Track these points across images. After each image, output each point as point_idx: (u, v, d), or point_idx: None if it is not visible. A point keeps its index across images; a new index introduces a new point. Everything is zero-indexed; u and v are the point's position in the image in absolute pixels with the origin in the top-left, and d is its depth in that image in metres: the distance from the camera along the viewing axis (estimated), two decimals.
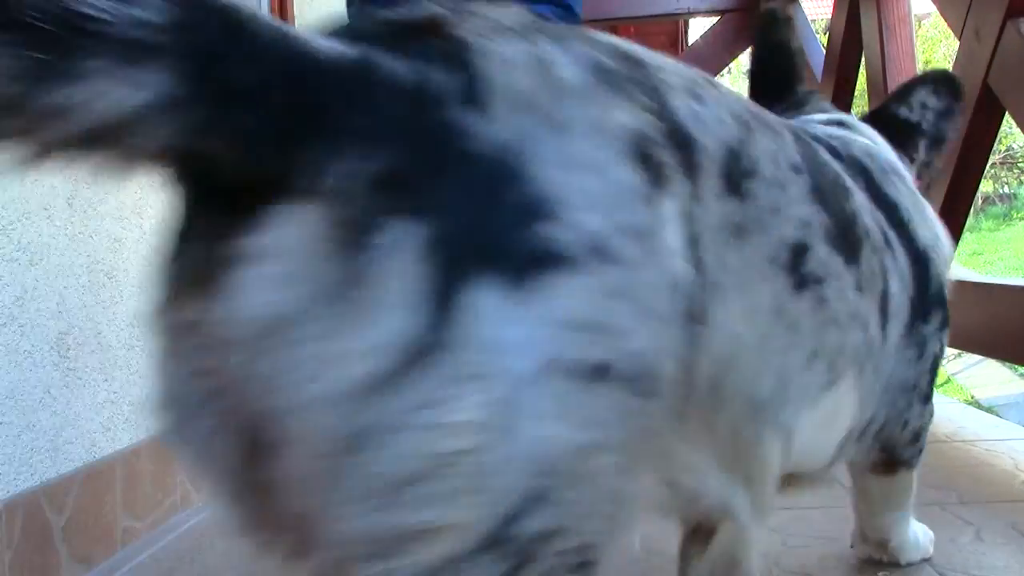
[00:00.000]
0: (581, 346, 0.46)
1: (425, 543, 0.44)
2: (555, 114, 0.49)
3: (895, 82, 2.20)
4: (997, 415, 3.64)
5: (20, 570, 1.02)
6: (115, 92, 0.39)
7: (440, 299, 0.43)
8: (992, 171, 13.37)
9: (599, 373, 0.46)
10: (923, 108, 1.02)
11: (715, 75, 3.49)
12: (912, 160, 1.02)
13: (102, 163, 0.45)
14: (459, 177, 0.45)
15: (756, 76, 1.01)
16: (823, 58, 2.72)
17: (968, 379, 8.78)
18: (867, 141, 0.92)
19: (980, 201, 13.43)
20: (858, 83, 2.56)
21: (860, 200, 0.74)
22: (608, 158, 0.50)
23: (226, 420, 0.47)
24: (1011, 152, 13.84)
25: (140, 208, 1.34)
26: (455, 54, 0.48)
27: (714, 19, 3.28)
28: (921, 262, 0.83)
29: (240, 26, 0.42)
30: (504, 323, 0.44)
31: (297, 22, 2.83)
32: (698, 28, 5.88)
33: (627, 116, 0.52)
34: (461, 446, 0.43)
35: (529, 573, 0.47)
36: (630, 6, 3.06)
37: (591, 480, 0.48)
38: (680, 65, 0.63)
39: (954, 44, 1.91)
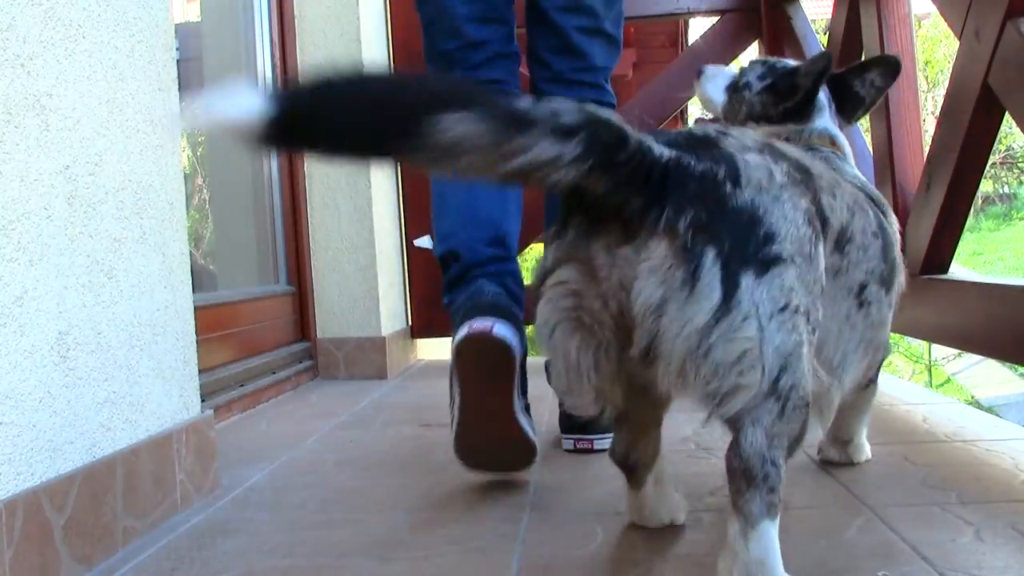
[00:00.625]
0: (786, 299, 0.91)
1: (738, 397, 0.90)
2: (775, 194, 0.94)
3: (895, 82, 2.20)
4: (997, 415, 3.64)
5: (20, 570, 1.02)
6: (548, 149, 0.83)
7: (729, 284, 0.88)
8: (992, 171, 13.36)
9: (794, 311, 0.92)
10: (871, 86, 1.42)
11: None
12: (848, 121, 1.45)
13: (528, 185, 0.89)
14: (732, 220, 0.90)
15: (800, 100, 1.38)
16: None
17: (968, 379, 8.78)
18: (856, 172, 1.35)
19: (980, 201, 13.42)
20: None
21: (896, 245, 1.23)
22: (799, 218, 0.95)
23: (610, 337, 0.95)
24: (1011, 152, 13.83)
25: (140, 208, 1.34)
26: (725, 157, 0.94)
27: (714, 19, 3.28)
28: (894, 254, 1.25)
29: (623, 134, 0.88)
30: (758, 294, 0.89)
31: (297, 22, 2.84)
32: (698, 28, 5.87)
33: (804, 201, 0.97)
34: (748, 347, 0.89)
35: (788, 409, 0.92)
36: (630, 6, 3.05)
37: (801, 358, 0.93)
38: (826, 170, 1.13)
39: (954, 44, 1.91)
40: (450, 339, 1.38)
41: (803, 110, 1.36)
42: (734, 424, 0.92)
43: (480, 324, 1.29)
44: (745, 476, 0.91)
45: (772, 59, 1.47)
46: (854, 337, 1.12)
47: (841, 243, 1.07)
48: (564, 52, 1.64)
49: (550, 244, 0.98)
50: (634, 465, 1.14)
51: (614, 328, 0.94)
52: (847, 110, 1.43)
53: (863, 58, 2.37)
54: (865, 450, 1.50)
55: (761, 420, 0.91)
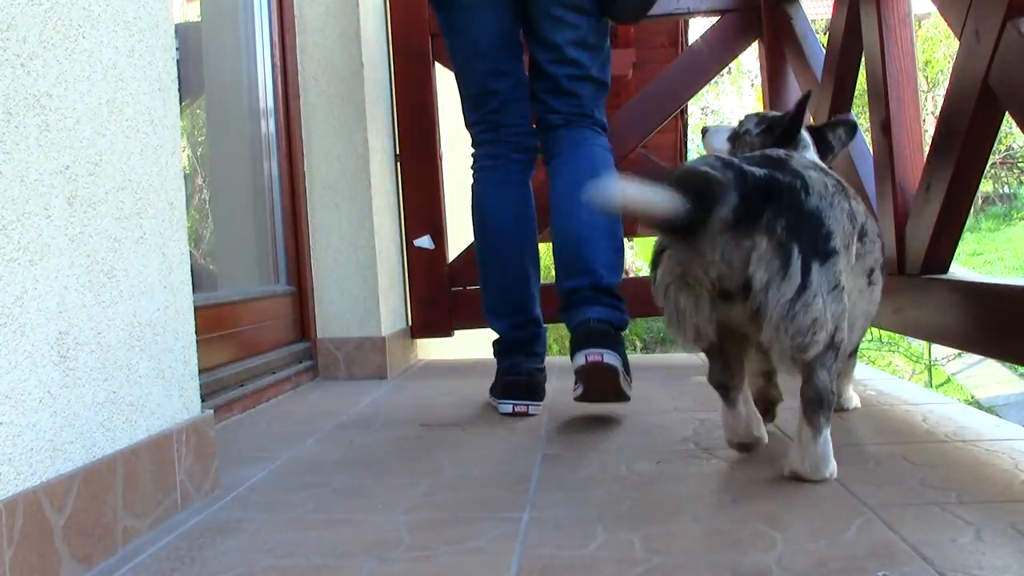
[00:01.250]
0: (837, 280, 1.32)
1: (812, 349, 1.31)
2: (829, 200, 1.34)
3: (895, 82, 2.20)
4: (997, 415, 3.64)
5: (20, 570, 1.02)
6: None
7: (805, 271, 1.28)
8: (992, 171, 13.37)
9: (841, 289, 1.32)
10: (839, 138, 1.83)
11: (715, 75, 3.48)
12: (824, 161, 1.77)
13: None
14: (806, 221, 1.30)
15: (788, 129, 1.74)
16: (823, 58, 2.72)
17: (968, 379, 8.79)
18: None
19: (980, 201, 13.43)
20: (858, 83, 2.56)
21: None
22: (844, 219, 1.36)
23: (705, 292, 1.35)
24: (1011, 152, 13.83)
25: (140, 208, 1.34)
26: (797, 172, 1.35)
27: (714, 19, 3.28)
28: (884, 253, 1.65)
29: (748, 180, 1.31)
30: (821, 277, 1.29)
31: (297, 22, 2.84)
32: (698, 28, 5.87)
33: (846, 204, 1.40)
34: (817, 316, 1.29)
35: (839, 355, 1.38)
36: None
37: (844, 319, 1.34)
38: (847, 185, 1.50)
39: (954, 44, 1.91)
40: (495, 381, 2.18)
41: (791, 141, 1.72)
42: (807, 368, 1.35)
43: (521, 408, 2.05)
44: (817, 402, 1.36)
45: (763, 111, 1.92)
46: (861, 306, 1.51)
47: (862, 236, 1.45)
48: (557, 93, 2.09)
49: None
50: (727, 387, 1.49)
51: (709, 287, 1.34)
52: (823, 153, 1.81)
53: (863, 59, 2.37)
54: (854, 400, 1.91)
55: (826, 365, 1.35)
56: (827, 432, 1.38)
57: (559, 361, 2.68)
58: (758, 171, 1.31)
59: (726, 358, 1.48)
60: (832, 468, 1.39)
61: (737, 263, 1.29)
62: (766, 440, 1.56)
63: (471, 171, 2.21)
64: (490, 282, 2.17)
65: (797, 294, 1.28)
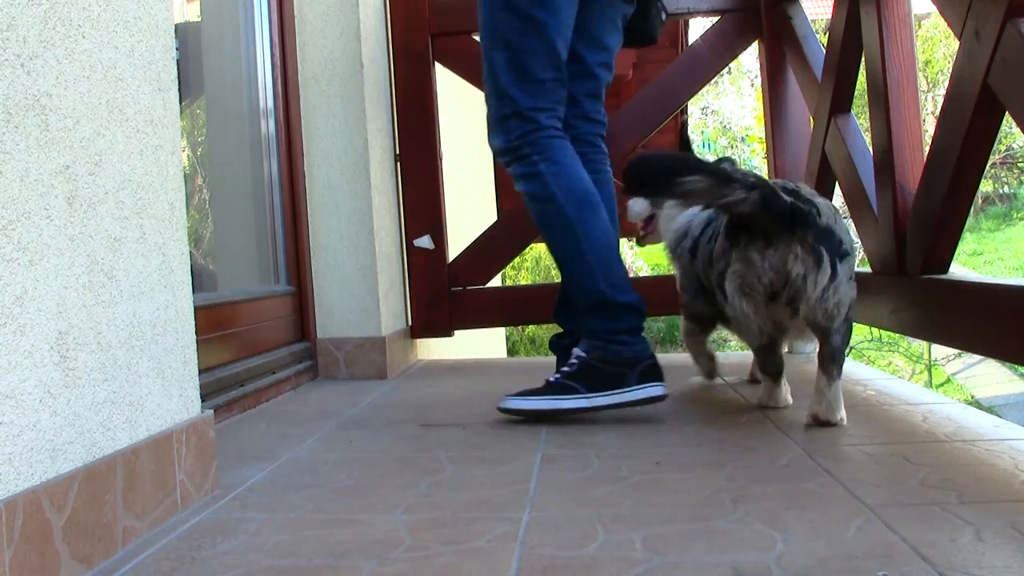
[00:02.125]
0: (851, 273, 1.79)
1: (835, 321, 1.79)
2: (834, 218, 1.79)
3: (895, 82, 2.20)
4: (997, 415, 3.64)
5: (20, 570, 1.02)
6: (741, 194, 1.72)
7: (833, 266, 1.74)
8: (992, 171, 13.37)
9: (853, 279, 1.80)
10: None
11: (715, 75, 3.48)
12: None
13: (719, 210, 1.88)
14: (822, 233, 1.74)
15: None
16: (823, 58, 2.71)
17: (968, 379, 8.79)
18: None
19: (980, 201, 13.44)
20: (858, 83, 2.56)
21: None
22: (846, 230, 1.81)
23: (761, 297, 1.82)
24: (1011, 152, 13.84)
25: (140, 208, 1.34)
26: (810, 200, 1.77)
27: (714, 19, 3.28)
28: None
29: (775, 191, 1.74)
30: (842, 270, 1.75)
31: (297, 22, 2.84)
32: (698, 28, 5.88)
33: (843, 224, 1.81)
34: (841, 298, 1.76)
35: (850, 327, 1.88)
36: None
37: (856, 302, 1.82)
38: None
39: (954, 44, 1.91)
40: (637, 366, 2.00)
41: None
42: (826, 333, 1.78)
43: (663, 391, 2.00)
44: (831, 357, 1.79)
45: None
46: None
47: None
48: (594, 97, 2.25)
49: (728, 252, 1.83)
50: (779, 371, 2.00)
51: (763, 292, 1.78)
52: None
53: (863, 59, 2.37)
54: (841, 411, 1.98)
55: (840, 332, 1.79)
56: (839, 382, 1.79)
57: (548, 361, 2.67)
58: (785, 198, 1.70)
59: (775, 350, 1.96)
60: (842, 413, 1.79)
61: (780, 266, 1.73)
62: (791, 402, 2.00)
63: (531, 153, 2.02)
64: (603, 255, 2.01)
65: (829, 282, 1.72)
